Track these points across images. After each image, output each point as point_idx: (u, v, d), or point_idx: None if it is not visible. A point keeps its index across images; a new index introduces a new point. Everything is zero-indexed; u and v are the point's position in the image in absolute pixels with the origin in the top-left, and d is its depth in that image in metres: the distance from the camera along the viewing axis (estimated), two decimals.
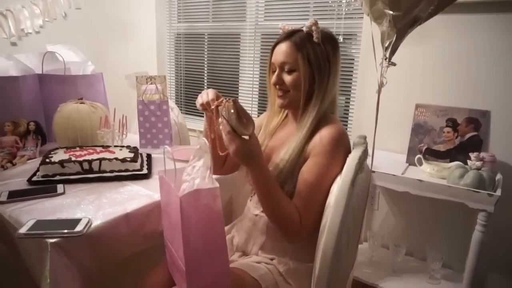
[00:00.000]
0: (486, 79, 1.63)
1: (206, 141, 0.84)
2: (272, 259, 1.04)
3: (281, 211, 0.94)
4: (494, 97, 1.62)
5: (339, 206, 0.86)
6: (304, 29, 1.00)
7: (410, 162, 1.76)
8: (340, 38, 2.01)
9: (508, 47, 1.56)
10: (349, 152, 0.99)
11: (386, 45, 1.05)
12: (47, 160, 1.24)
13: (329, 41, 1.02)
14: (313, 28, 0.98)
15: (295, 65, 0.99)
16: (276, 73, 1.02)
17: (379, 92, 1.03)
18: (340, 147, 0.98)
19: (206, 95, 0.98)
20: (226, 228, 1.22)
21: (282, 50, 1.00)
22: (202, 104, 0.99)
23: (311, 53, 0.98)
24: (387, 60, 1.01)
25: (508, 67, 1.58)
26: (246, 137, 0.86)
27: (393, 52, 1.01)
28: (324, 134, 0.97)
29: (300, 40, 0.99)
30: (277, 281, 0.99)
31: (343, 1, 1.99)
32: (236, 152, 0.86)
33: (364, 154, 0.98)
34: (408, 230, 1.89)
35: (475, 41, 1.63)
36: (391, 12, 0.92)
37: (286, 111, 1.15)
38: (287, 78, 1.01)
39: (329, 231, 0.86)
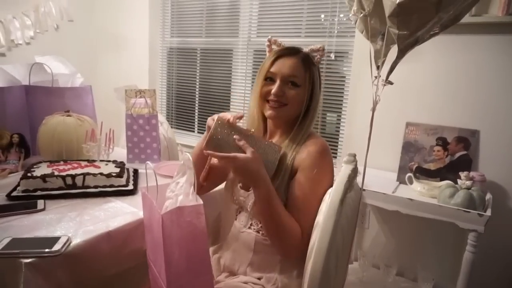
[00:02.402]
0: (475, 99, 1.65)
1: (190, 157, 0.82)
2: (259, 278, 1.01)
3: (284, 227, 0.93)
4: (483, 117, 1.64)
5: (328, 226, 0.84)
6: (307, 50, 1.05)
7: (400, 180, 1.76)
8: (332, 56, 2.03)
9: (498, 68, 1.59)
10: (333, 166, 1.03)
11: (379, 63, 1.05)
12: (29, 174, 1.20)
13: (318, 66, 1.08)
14: (320, 53, 1.04)
15: (301, 82, 1.02)
16: (278, 84, 1.01)
17: (373, 110, 1.03)
18: (328, 158, 1.01)
19: (224, 115, 0.98)
20: (214, 248, 1.19)
21: (290, 64, 1.01)
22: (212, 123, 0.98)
23: (314, 74, 1.04)
24: (385, 79, 1.01)
25: (497, 88, 1.60)
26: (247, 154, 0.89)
27: (391, 71, 1.01)
28: (312, 148, 0.99)
29: (307, 60, 1.04)
30: None
31: (335, 19, 2.02)
32: (254, 157, 0.90)
33: (354, 172, 0.96)
34: (399, 250, 1.86)
35: (465, 61, 1.65)
36: (397, 32, 0.92)
37: (266, 125, 1.12)
38: (290, 92, 1.01)
39: (317, 252, 0.83)
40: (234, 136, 0.91)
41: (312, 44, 1.06)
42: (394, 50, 1.02)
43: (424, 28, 0.93)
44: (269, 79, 1.03)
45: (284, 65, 1.01)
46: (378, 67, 1.04)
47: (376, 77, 1.01)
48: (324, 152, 1.00)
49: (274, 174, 0.97)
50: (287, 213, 0.95)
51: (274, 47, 1.08)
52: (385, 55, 1.00)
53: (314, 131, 1.07)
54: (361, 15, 1.00)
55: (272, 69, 1.02)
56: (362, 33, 1.07)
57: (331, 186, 0.99)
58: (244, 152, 0.90)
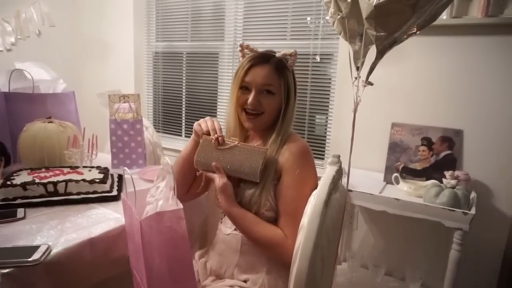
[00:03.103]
0: (459, 99, 1.67)
1: (169, 161, 0.82)
2: (246, 281, 1.01)
3: (262, 239, 0.97)
4: (466, 117, 1.66)
5: (312, 228, 0.83)
6: (279, 55, 1.06)
7: (387, 180, 1.77)
8: (317, 58, 2.04)
9: (480, 68, 1.61)
10: (314, 165, 1.05)
11: (359, 64, 1.05)
12: (8, 182, 1.17)
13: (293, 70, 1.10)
14: (292, 58, 1.05)
15: (276, 89, 1.03)
16: (253, 94, 1.03)
17: (354, 111, 1.03)
18: (310, 157, 1.03)
19: (212, 123, 1.05)
20: (200, 252, 1.18)
21: (264, 73, 1.02)
22: (200, 130, 1.05)
23: (289, 80, 1.05)
24: (365, 80, 1.01)
25: (479, 88, 1.62)
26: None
27: (370, 71, 1.01)
28: (294, 148, 1.00)
29: (280, 66, 1.05)
30: None
31: (320, 22, 2.03)
32: (224, 188, 0.97)
33: (338, 173, 0.96)
34: (387, 250, 1.87)
35: (448, 62, 1.67)
36: (375, 33, 0.92)
37: (247, 132, 1.15)
38: (265, 100, 1.03)
39: (302, 254, 0.83)
40: (212, 164, 1.00)
41: (286, 49, 1.07)
42: (373, 51, 1.02)
43: (401, 29, 0.94)
44: (244, 87, 1.05)
45: (258, 75, 1.02)
46: (357, 68, 1.04)
47: (356, 78, 1.01)
48: (306, 152, 1.01)
49: (261, 176, 0.98)
50: (260, 226, 0.98)
51: (246, 51, 1.08)
52: (364, 56, 1.01)
53: (293, 132, 1.09)
54: (338, 16, 1.00)
55: (246, 79, 1.03)
56: (340, 34, 1.08)
57: (316, 185, 1.00)
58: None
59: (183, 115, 2.67)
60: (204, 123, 1.05)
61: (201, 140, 1.05)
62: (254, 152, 0.99)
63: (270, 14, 2.18)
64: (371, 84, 1.01)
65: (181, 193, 1.10)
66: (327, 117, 2.08)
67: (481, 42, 1.60)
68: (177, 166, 1.10)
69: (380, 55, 0.97)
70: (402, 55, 1.72)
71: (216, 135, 1.01)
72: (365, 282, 1.74)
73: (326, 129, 2.09)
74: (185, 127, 2.68)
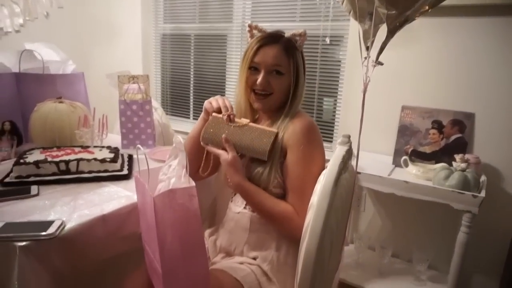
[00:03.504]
0: (470, 82, 1.64)
1: (181, 139, 0.82)
2: (255, 258, 1.02)
3: (270, 212, 0.98)
4: (478, 100, 1.63)
5: (322, 207, 0.84)
6: (289, 35, 1.04)
7: (396, 163, 1.76)
8: (327, 40, 2.01)
9: (492, 50, 1.58)
10: (322, 143, 1.06)
11: (368, 44, 1.03)
12: (21, 160, 1.19)
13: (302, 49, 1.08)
14: (301, 38, 1.04)
15: (285, 70, 1.02)
16: (262, 75, 1.02)
17: (364, 91, 1.02)
18: (315, 134, 1.03)
19: (223, 101, 1.05)
20: (210, 230, 1.19)
21: (273, 53, 1.01)
22: (211, 108, 1.06)
23: (298, 60, 1.04)
24: (375, 59, 1.00)
25: (492, 70, 1.59)
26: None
27: (380, 51, 0.99)
28: (298, 125, 1.00)
29: (289, 46, 1.03)
30: (260, 282, 0.97)
31: (330, 3, 1.99)
32: (233, 161, 0.97)
33: (348, 153, 0.96)
34: (394, 232, 1.88)
35: (460, 44, 1.64)
36: (385, 11, 0.90)
37: (257, 113, 1.14)
38: (275, 81, 1.02)
39: (312, 233, 0.83)
40: (223, 136, 0.99)
41: (295, 29, 1.06)
42: (383, 30, 1.00)
43: (413, 7, 0.92)
44: (253, 68, 1.04)
45: (268, 55, 1.01)
46: (367, 48, 1.02)
47: (365, 58, 1.00)
48: (311, 129, 1.01)
49: (268, 156, 0.98)
50: (272, 200, 0.99)
51: (255, 32, 1.07)
52: (374, 35, 0.99)
53: (301, 110, 1.08)
54: None
55: (255, 59, 1.02)
56: (349, 13, 1.06)
57: (324, 162, 1.00)
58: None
59: (191, 97, 2.66)
60: (215, 101, 1.05)
61: (210, 117, 1.04)
62: (264, 132, 1.00)
63: None
64: (381, 64, 1.00)
65: (191, 173, 1.10)
66: (335, 100, 2.06)
67: (493, 23, 1.56)
68: (186, 146, 1.10)
69: (390, 34, 0.95)
70: (413, 37, 1.68)
71: (228, 112, 1.01)
72: (371, 263, 1.76)
73: (334, 112, 2.08)
74: (193, 110, 2.68)
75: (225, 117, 1.02)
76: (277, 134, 1.00)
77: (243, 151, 1.01)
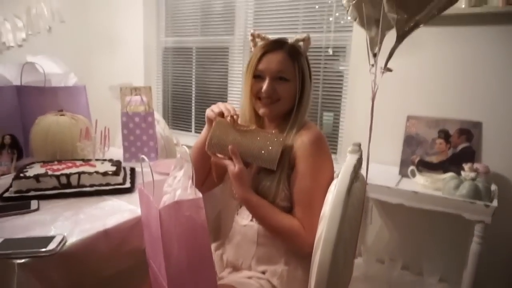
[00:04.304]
0: (477, 91, 1.62)
1: (187, 150, 0.79)
2: (264, 272, 0.98)
3: (279, 226, 0.95)
4: (485, 108, 1.61)
5: (335, 216, 0.81)
6: (292, 41, 1.03)
7: (403, 174, 1.73)
8: (330, 51, 2.00)
9: (499, 59, 1.57)
10: (331, 155, 1.02)
11: (376, 51, 1.02)
12: (21, 174, 1.16)
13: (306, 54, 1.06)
14: (305, 43, 1.02)
15: (290, 76, 1.00)
16: (267, 82, 1.00)
17: (373, 99, 0.99)
18: (323, 146, 1.00)
19: (224, 106, 1.02)
20: (215, 244, 1.15)
21: (278, 59, 0.99)
22: (213, 115, 1.02)
23: (303, 65, 1.02)
24: (384, 66, 0.98)
25: (498, 79, 1.58)
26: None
27: (389, 57, 0.98)
28: (306, 137, 0.97)
29: (293, 52, 1.01)
30: None
31: (332, 14, 1.99)
32: (240, 174, 0.94)
33: (359, 162, 0.93)
34: (403, 244, 1.83)
35: (466, 53, 1.63)
36: (395, 16, 0.89)
37: (260, 122, 1.11)
38: (280, 88, 1.00)
39: (325, 243, 0.80)
40: (229, 147, 0.94)
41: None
42: (389, 37, 0.99)
43: (422, 11, 0.91)
44: (258, 76, 1.02)
45: (272, 61, 0.99)
46: (374, 55, 1.01)
47: (372, 65, 0.98)
48: (319, 140, 0.98)
49: (277, 164, 0.95)
50: (277, 214, 0.95)
51: (258, 40, 1.06)
52: (381, 42, 0.98)
53: (308, 120, 1.05)
54: (354, 1, 0.97)
55: (260, 67, 1.00)
56: (355, 20, 1.05)
57: (332, 175, 0.97)
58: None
59: (193, 110, 2.65)
60: (216, 107, 1.02)
61: (214, 122, 0.98)
62: (272, 139, 0.95)
63: (281, 7, 2.14)
64: (390, 70, 0.98)
65: (197, 185, 1.07)
66: (336, 115, 2.05)
67: (500, 31, 1.55)
68: (191, 157, 1.07)
69: (400, 39, 0.94)
70: (418, 46, 1.68)
71: (231, 113, 0.98)
72: (381, 277, 1.71)
73: (336, 126, 2.06)
74: (195, 123, 2.66)
75: (228, 118, 0.97)
76: (284, 139, 0.96)
77: (250, 160, 0.97)
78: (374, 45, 1.03)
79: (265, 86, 0.99)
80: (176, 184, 0.82)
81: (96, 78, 2.77)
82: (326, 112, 2.10)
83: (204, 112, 1.06)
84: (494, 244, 1.59)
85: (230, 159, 0.95)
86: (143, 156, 0.81)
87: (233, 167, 0.94)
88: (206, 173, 1.11)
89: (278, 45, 1.01)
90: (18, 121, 1.58)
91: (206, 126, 1.07)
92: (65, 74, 1.80)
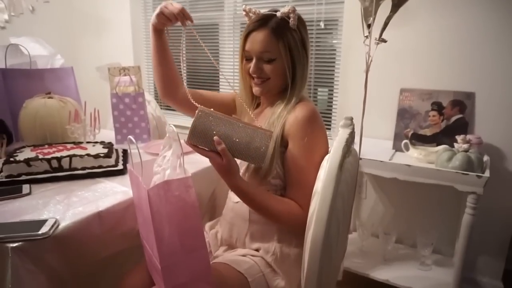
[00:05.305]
0: (469, 61, 1.60)
1: (174, 129, 0.78)
2: (257, 250, 0.99)
3: (273, 211, 0.93)
4: (478, 79, 1.60)
5: (327, 192, 0.80)
6: (279, 14, 0.97)
7: (396, 148, 1.73)
8: (322, 24, 1.96)
9: (491, 28, 1.54)
10: (325, 130, 1.00)
11: (370, 22, 1.00)
12: (12, 159, 1.14)
13: (302, 25, 1.00)
14: (291, 15, 0.96)
15: (275, 54, 0.97)
16: (254, 62, 0.98)
17: (367, 71, 0.98)
18: (317, 123, 0.97)
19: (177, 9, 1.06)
20: (210, 223, 1.16)
21: (260, 39, 0.96)
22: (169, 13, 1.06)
23: (290, 40, 0.96)
24: (379, 36, 0.96)
25: (491, 48, 1.55)
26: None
27: (384, 27, 0.96)
28: (299, 114, 0.95)
29: (278, 28, 0.95)
30: (264, 274, 0.94)
31: None
32: (229, 167, 0.86)
33: (351, 136, 0.92)
34: (397, 218, 1.86)
35: (458, 22, 1.60)
36: None
37: (258, 100, 1.11)
38: (267, 67, 0.98)
39: (318, 220, 0.80)
40: (214, 138, 0.84)
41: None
42: (382, 8, 0.96)
43: None
44: (247, 56, 1.01)
45: (255, 41, 0.97)
46: (368, 26, 0.98)
47: (366, 36, 0.96)
48: (313, 118, 0.95)
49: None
50: (271, 198, 0.93)
51: (251, 15, 1.03)
52: (375, 12, 0.95)
53: (305, 96, 1.03)
54: None
55: (246, 47, 0.99)
56: None
57: (327, 150, 0.96)
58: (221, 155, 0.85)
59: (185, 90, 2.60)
60: (175, 9, 1.06)
61: (197, 112, 0.86)
62: (256, 133, 0.87)
63: None
64: (385, 41, 0.96)
65: (161, 93, 1.22)
66: (330, 90, 2.02)
67: (493, 1, 1.52)
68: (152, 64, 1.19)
69: (395, 8, 0.92)
70: (409, 18, 1.64)
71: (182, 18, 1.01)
72: (376, 251, 1.74)
73: (331, 103, 2.04)
74: None
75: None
76: (271, 135, 0.89)
77: (237, 157, 0.88)
78: (368, 15, 1.01)
79: (251, 67, 0.98)
80: (165, 163, 0.81)
81: (83, 59, 2.71)
82: (320, 88, 2.08)
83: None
84: (486, 215, 1.61)
85: (213, 151, 0.86)
86: (130, 137, 0.79)
87: (220, 159, 0.84)
88: (166, 78, 1.22)
89: (262, 22, 0.97)
90: (5, 105, 1.55)
91: (152, 34, 1.16)
92: (51, 55, 1.75)
